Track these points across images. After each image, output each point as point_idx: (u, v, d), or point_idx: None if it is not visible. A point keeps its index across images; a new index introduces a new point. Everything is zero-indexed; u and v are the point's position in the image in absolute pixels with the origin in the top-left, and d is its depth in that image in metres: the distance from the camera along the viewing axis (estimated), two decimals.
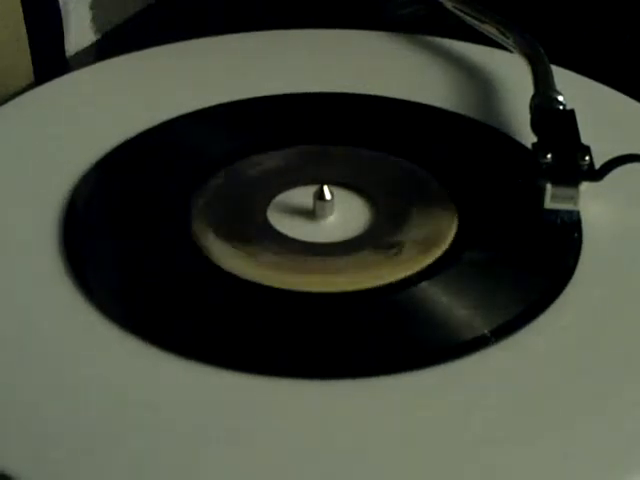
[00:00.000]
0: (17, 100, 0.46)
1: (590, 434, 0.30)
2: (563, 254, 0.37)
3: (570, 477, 0.29)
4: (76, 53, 0.54)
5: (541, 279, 0.36)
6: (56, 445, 0.30)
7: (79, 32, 0.54)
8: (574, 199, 0.37)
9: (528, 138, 0.40)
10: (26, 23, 0.50)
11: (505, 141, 0.42)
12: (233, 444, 0.30)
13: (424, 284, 0.35)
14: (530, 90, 0.42)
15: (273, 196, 0.40)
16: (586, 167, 0.37)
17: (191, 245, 0.37)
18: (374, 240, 0.38)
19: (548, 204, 0.37)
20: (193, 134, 0.43)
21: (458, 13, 0.50)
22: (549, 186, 0.37)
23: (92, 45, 0.55)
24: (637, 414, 0.31)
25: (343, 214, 0.39)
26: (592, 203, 0.38)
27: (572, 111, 0.40)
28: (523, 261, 0.37)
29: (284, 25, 0.51)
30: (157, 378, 0.32)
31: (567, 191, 0.37)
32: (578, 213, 0.37)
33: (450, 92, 0.46)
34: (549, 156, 0.37)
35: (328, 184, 0.39)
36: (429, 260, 0.36)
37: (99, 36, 0.56)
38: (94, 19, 0.55)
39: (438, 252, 0.37)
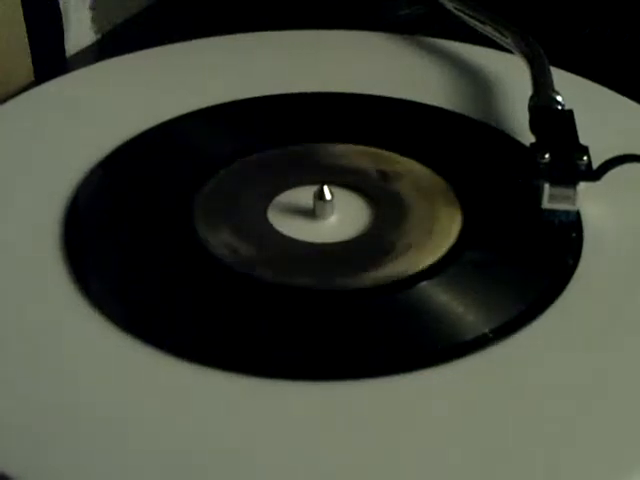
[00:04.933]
0: (17, 100, 0.46)
1: (590, 434, 0.30)
2: (564, 254, 0.37)
3: (570, 477, 0.29)
4: (76, 53, 0.54)
5: (542, 279, 0.36)
6: (56, 445, 0.30)
7: (79, 32, 0.54)
8: (572, 199, 0.37)
9: (527, 138, 0.40)
10: (26, 23, 0.50)
11: (505, 141, 0.42)
12: (233, 444, 0.30)
13: (424, 284, 0.35)
14: (529, 90, 0.42)
15: (273, 196, 0.40)
16: (584, 167, 0.37)
17: (191, 245, 0.37)
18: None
19: (546, 204, 0.37)
20: (193, 134, 0.43)
21: (458, 14, 0.50)
22: (547, 186, 0.37)
23: (92, 45, 0.55)
24: (637, 414, 0.31)
25: (343, 214, 0.39)
26: (593, 203, 0.38)
27: (571, 111, 0.40)
28: (524, 261, 0.37)
29: (284, 26, 0.51)
30: (157, 379, 0.32)
31: (565, 191, 0.37)
32: (576, 213, 0.37)
33: (450, 92, 0.46)
34: (547, 156, 0.37)
35: (328, 184, 0.39)
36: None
37: (99, 36, 0.56)
38: (94, 19, 0.55)
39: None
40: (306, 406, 0.31)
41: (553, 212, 0.37)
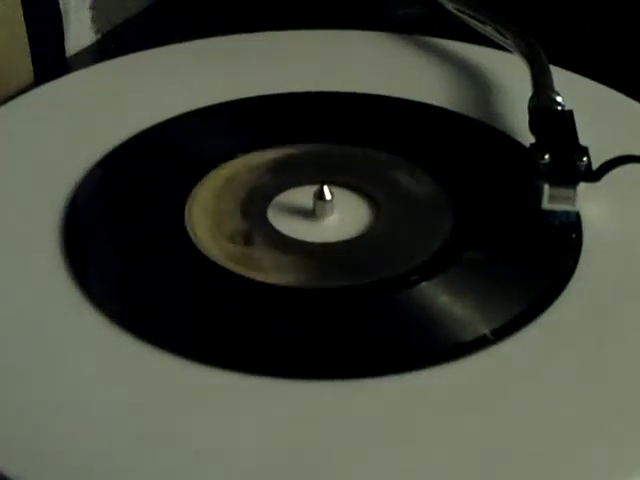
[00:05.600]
0: (17, 100, 0.46)
1: (590, 434, 0.30)
2: (563, 254, 0.37)
3: (570, 477, 0.29)
4: (76, 53, 0.54)
5: (541, 279, 0.36)
6: (56, 446, 0.30)
7: (79, 32, 0.54)
8: (572, 200, 0.37)
9: (527, 138, 0.40)
10: (26, 23, 0.50)
11: (505, 141, 0.42)
12: (233, 444, 0.30)
13: (424, 284, 0.35)
14: (529, 90, 0.42)
15: (273, 196, 0.40)
16: (584, 168, 0.37)
17: (191, 245, 0.37)
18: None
19: (546, 205, 0.37)
20: (193, 134, 0.43)
21: (458, 14, 0.50)
22: (547, 187, 0.37)
23: (92, 45, 0.55)
24: (637, 414, 0.31)
25: (343, 214, 0.39)
26: (592, 203, 0.38)
27: (570, 112, 0.40)
28: (523, 261, 0.37)
29: (284, 26, 0.51)
30: (157, 378, 0.32)
31: (565, 192, 0.37)
32: (576, 214, 0.37)
33: (450, 92, 0.46)
34: (547, 157, 0.37)
35: (328, 184, 0.39)
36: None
37: (99, 36, 0.56)
38: (94, 19, 0.55)
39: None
40: (306, 406, 0.31)
41: (553, 213, 0.37)
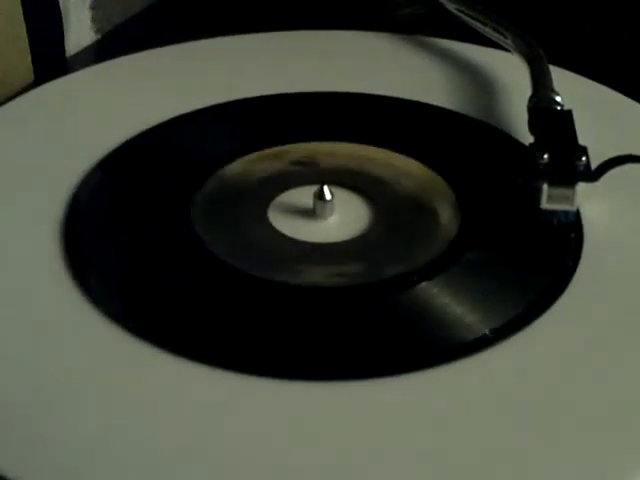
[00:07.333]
0: (17, 100, 0.46)
1: (590, 434, 0.30)
2: (564, 254, 0.37)
3: (570, 477, 0.29)
4: (76, 53, 0.54)
5: (542, 279, 0.36)
6: (56, 446, 0.30)
7: (79, 32, 0.54)
8: (571, 199, 0.37)
9: (527, 138, 0.40)
10: (26, 23, 0.50)
11: (505, 141, 0.42)
12: (233, 445, 0.30)
13: (424, 284, 0.35)
14: (529, 90, 0.42)
15: (273, 196, 0.40)
16: (583, 168, 0.37)
17: (191, 245, 0.37)
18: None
19: (545, 204, 0.37)
20: (192, 134, 0.43)
21: (457, 14, 0.50)
22: (545, 186, 0.37)
23: (92, 45, 0.55)
24: (637, 414, 0.31)
25: (343, 214, 0.39)
26: (593, 203, 0.38)
27: (570, 111, 0.40)
28: (524, 261, 0.37)
29: (284, 26, 0.51)
30: (157, 378, 0.32)
31: (564, 191, 0.37)
32: (575, 213, 0.37)
33: (450, 92, 0.46)
34: (546, 156, 0.37)
35: (328, 184, 0.39)
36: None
37: (99, 36, 0.56)
38: (94, 19, 0.55)
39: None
40: (306, 406, 0.31)
41: (553, 212, 0.37)
